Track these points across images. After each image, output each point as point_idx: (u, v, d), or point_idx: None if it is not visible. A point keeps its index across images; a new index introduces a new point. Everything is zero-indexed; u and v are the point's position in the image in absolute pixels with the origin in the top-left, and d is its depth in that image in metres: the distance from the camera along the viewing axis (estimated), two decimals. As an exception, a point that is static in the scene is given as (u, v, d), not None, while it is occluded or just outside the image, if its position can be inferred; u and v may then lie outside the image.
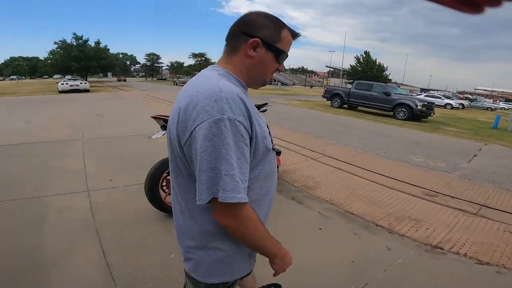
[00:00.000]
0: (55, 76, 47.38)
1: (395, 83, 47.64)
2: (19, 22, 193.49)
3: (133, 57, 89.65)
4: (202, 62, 65.65)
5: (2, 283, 1.76)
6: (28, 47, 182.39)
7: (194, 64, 65.88)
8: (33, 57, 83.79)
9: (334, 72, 63.83)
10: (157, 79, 60.67)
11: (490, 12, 0.26)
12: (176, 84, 35.64)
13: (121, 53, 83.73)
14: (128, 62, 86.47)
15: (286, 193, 3.42)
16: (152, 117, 2.66)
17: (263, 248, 0.80)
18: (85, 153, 4.67)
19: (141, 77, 73.85)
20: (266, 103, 3.68)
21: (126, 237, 2.34)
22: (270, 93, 25.20)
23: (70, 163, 4.10)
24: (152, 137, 2.66)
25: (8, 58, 78.99)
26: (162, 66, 71.51)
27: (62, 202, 2.90)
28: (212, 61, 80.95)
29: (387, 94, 12.78)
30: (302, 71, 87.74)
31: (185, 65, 68.04)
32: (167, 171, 2.64)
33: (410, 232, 2.68)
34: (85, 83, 21.23)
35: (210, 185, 0.66)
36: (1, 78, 69.29)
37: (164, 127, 2.61)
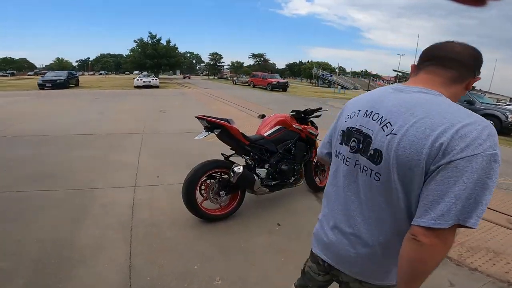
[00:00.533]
0: (135, 72, 53.51)
1: (480, 90, 41.28)
2: (107, 20, 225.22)
3: (199, 56, 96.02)
4: (261, 62, 66.86)
5: (23, 275, 1.85)
6: (115, 44, 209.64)
7: (253, 64, 67.51)
8: (118, 54, 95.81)
9: (403, 77, 58.55)
10: (218, 77, 63.74)
11: (492, 5, 0.28)
12: (235, 84, 36.77)
13: (188, 52, 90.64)
14: (194, 61, 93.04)
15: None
16: (196, 117, 2.59)
17: (418, 281, 0.79)
18: (142, 147, 4.98)
19: (204, 75, 78.61)
20: (320, 108, 3.38)
21: (157, 239, 2.32)
22: (328, 96, 24.07)
23: (126, 157, 4.40)
24: (195, 138, 2.61)
25: (99, 55, 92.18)
26: (223, 66, 75.04)
27: (109, 196, 3.06)
28: (271, 61, 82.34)
29: (471, 103, 10.97)
30: (365, 74, 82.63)
31: (245, 65, 70.20)
32: (207, 175, 2.57)
33: (484, 266, 2.20)
34: (156, 79, 23.38)
35: (460, 213, 0.69)
36: (92, 72, 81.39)
37: (207, 128, 2.54)
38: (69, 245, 2.18)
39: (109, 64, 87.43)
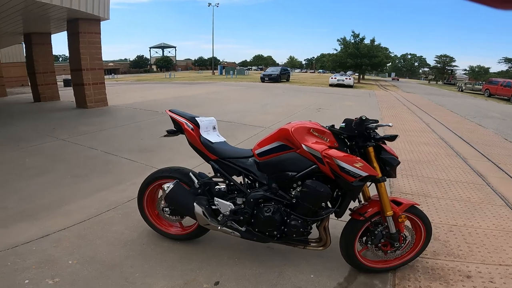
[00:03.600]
0: (349, 73, 55.98)
1: None
2: (332, 21, 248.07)
3: (423, 58, 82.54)
4: (520, 66, 46.96)
5: None
6: (333, 44, 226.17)
7: (506, 70, 49.09)
8: (333, 54, 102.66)
9: None
10: (444, 83, 51.87)
11: None
12: (461, 91, 28.35)
13: (410, 54, 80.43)
14: (416, 64, 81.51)
15: None
16: (166, 111, 2.01)
17: None
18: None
19: (426, 79, 66.60)
20: (376, 120, 1.72)
21: (71, 244, 1.96)
22: None
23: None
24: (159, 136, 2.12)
25: (319, 55, 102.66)
26: (453, 69, 60.15)
27: (114, 190, 2.90)
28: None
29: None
30: None
31: (491, 70, 52.47)
32: (156, 183, 2.04)
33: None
34: (350, 79, 22.62)
35: None
36: (312, 71, 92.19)
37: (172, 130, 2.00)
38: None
39: (326, 63, 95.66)
